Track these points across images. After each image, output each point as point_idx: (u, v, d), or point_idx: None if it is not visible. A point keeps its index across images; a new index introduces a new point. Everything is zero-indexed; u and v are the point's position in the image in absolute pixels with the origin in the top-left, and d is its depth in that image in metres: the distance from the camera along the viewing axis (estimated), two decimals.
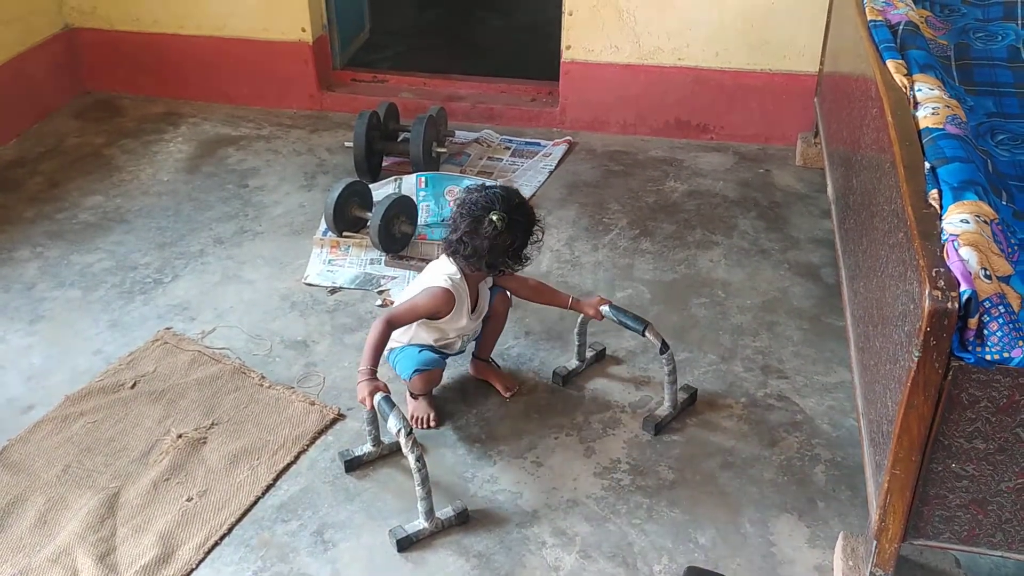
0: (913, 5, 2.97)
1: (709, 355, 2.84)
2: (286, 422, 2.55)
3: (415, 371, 2.48)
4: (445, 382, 2.65)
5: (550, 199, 3.70)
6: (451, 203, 3.44)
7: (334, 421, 2.57)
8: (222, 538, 2.22)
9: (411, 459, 2.15)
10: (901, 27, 2.66)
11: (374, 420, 2.38)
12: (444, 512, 2.24)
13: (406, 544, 2.19)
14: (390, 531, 2.21)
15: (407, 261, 3.25)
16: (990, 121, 2.61)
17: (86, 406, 2.60)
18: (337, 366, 2.78)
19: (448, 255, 2.43)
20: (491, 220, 2.30)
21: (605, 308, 2.57)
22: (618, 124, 4.26)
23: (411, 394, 2.59)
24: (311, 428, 2.53)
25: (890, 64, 2.39)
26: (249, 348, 2.85)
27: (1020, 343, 1.57)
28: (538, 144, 4.13)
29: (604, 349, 2.82)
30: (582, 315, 2.65)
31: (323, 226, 3.40)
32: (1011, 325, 1.57)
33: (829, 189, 3.11)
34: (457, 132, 4.13)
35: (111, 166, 3.94)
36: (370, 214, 3.30)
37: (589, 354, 2.77)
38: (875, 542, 1.85)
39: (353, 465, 2.41)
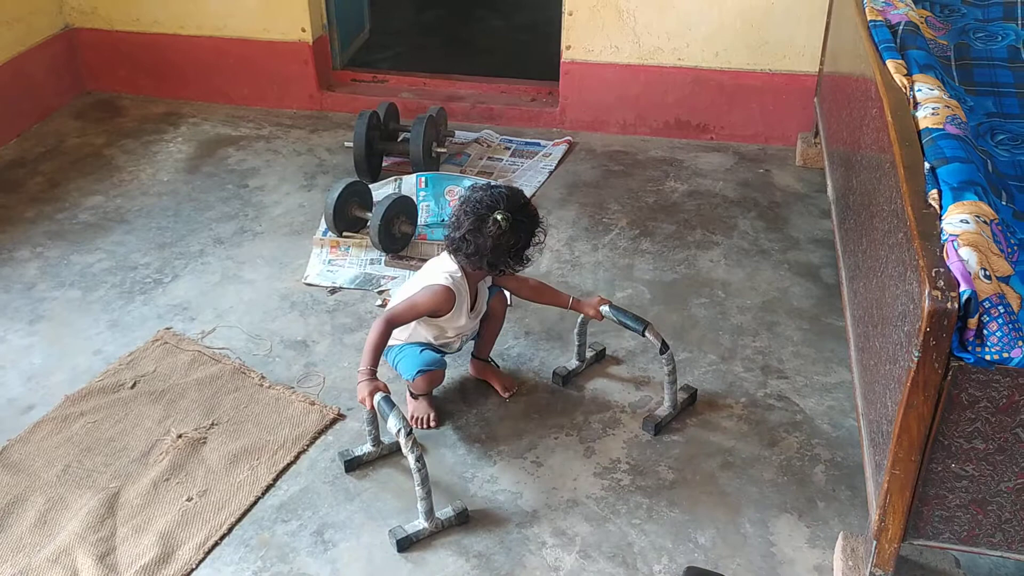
0: (913, 5, 2.97)
1: (709, 355, 2.84)
2: (286, 422, 2.56)
3: (419, 372, 2.47)
4: (445, 382, 2.65)
5: (550, 199, 3.70)
6: (451, 203, 3.44)
7: (334, 421, 2.57)
8: (222, 538, 2.22)
9: (411, 459, 2.15)
10: (901, 27, 2.66)
11: (374, 420, 2.38)
12: (444, 512, 2.24)
13: (406, 544, 2.19)
14: (390, 531, 2.21)
15: (407, 261, 3.25)
16: (990, 121, 2.61)
17: (86, 406, 2.60)
18: (337, 366, 2.78)
19: (450, 252, 2.42)
20: (495, 219, 2.30)
21: (605, 308, 2.57)
22: (618, 124, 4.27)
23: (411, 394, 2.59)
24: (311, 428, 2.53)
25: (890, 64, 2.40)
26: (249, 348, 2.85)
27: (1020, 343, 1.57)
28: (538, 144, 4.13)
29: (604, 349, 2.82)
30: (582, 315, 2.65)
31: (323, 226, 3.40)
32: (1011, 325, 1.57)
33: (829, 189, 3.11)
34: (457, 132, 4.13)
35: (111, 166, 3.94)
36: (370, 214, 3.30)
37: (589, 354, 2.77)
38: (875, 542, 1.85)
39: (353, 465, 2.41)
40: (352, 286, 3.15)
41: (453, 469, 2.43)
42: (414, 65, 4.77)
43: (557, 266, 3.28)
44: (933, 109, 2.14)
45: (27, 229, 3.48)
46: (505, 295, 2.70)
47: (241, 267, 3.26)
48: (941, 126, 2.06)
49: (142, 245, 3.38)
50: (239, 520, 2.27)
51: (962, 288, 1.57)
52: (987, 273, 1.61)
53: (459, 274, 2.44)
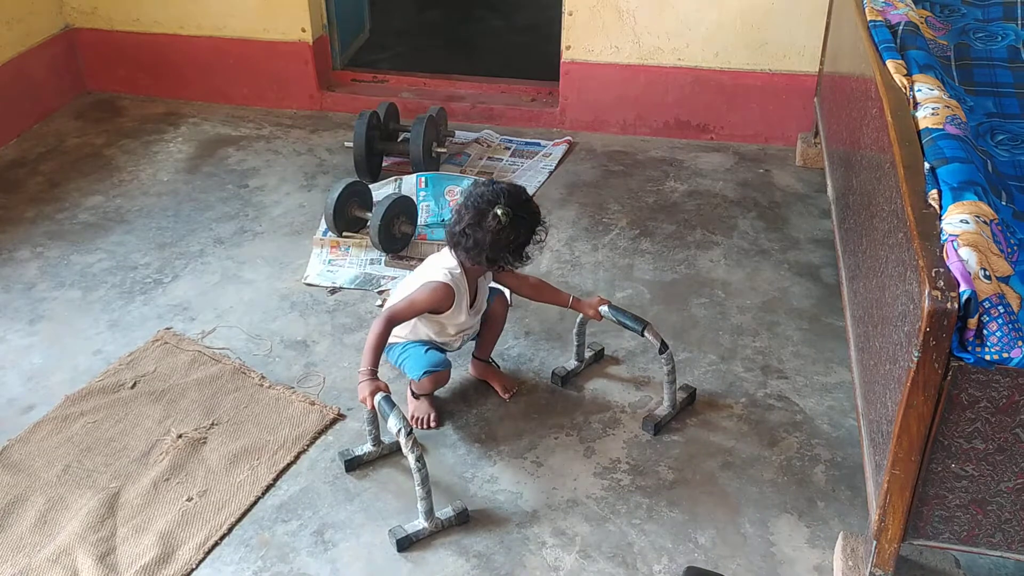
0: (913, 5, 2.97)
1: (709, 355, 2.84)
2: (286, 422, 2.56)
3: (425, 372, 2.47)
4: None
5: (550, 199, 3.70)
6: (451, 203, 3.44)
7: (334, 421, 2.57)
8: (222, 538, 2.22)
9: (411, 459, 2.15)
10: (901, 27, 2.66)
11: (374, 420, 2.38)
12: (444, 512, 2.24)
13: (406, 544, 2.19)
14: (390, 531, 2.21)
15: (407, 261, 3.25)
16: (990, 121, 2.61)
17: (86, 406, 2.60)
18: (337, 366, 2.78)
19: (449, 247, 2.42)
20: (495, 214, 2.29)
21: (604, 308, 2.57)
22: (618, 124, 4.27)
23: (412, 394, 2.59)
24: (311, 428, 2.53)
25: (890, 64, 2.40)
26: (249, 348, 2.85)
27: (1019, 343, 1.57)
28: (538, 144, 4.14)
29: (603, 349, 2.82)
30: (581, 315, 2.65)
31: (323, 226, 3.40)
32: (1010, 325, 1.57)
33: (829, 189, 3.11)
34: (457, 132, 4.13)
35: (111, 166, 3.94)
36: (370, 214, 3.30)
37: (587, 354, 2.77)
38: (875, 542, 1.85)
39: (353, 465, 2.41)
40: (352, 286, 3.15)
41: (453, 469, 2.43)
42: (414, 65, 4.77)
43: (557, 266, 3.28)
44: (933, 109, 2.15)
45: (27, 229, 3.48)
46: (506, 297, 2.70)
47: (241, 267, 3.26)
48: (941, 126, 2.06)
49: (142, 245, 3.38)
50: (239, 520, 2.27)
51: (962, 288, 1.57)
52: (987, 273, 1.61)
53: (458, 270, 2.43)
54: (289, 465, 2.43)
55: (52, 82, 4.39)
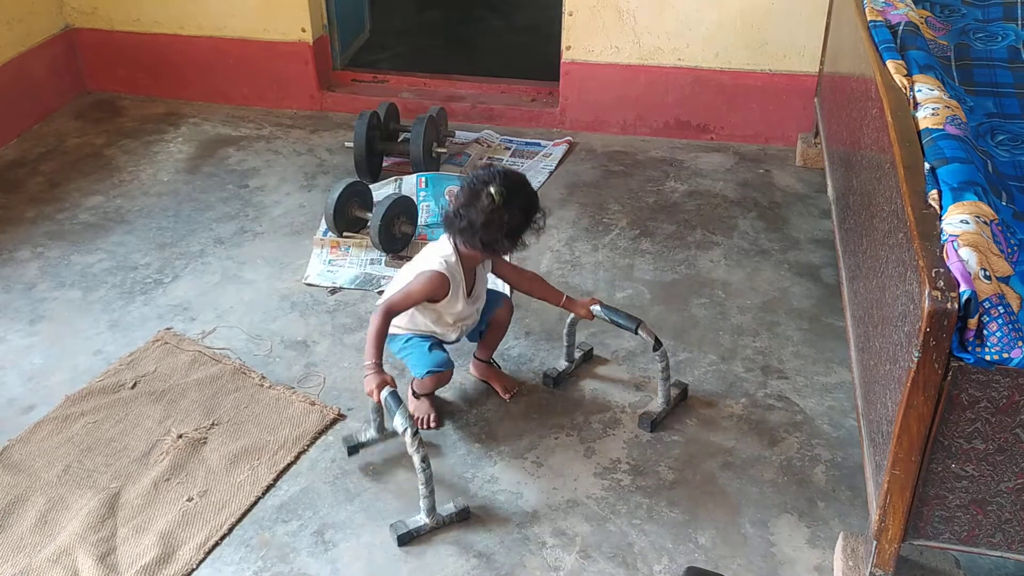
0: (913, 5, 2.97)
1: (709, 355, 2.84)
2: (286, 422, 2.56)
3: (428, 372, 2.47)
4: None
5: (550, 199, 3.70)
6: (451, 203, 3.44)
7: (334, 421, 2.57)
8: (222, 538, 2.22)
9: (416, 459, 2.16)
10: (901, 27, 2.66)
11: (379, 409, 2.38)
12: (445, 508, 2.25)
13: (407, 539, 2.20)
14: (391, 525, 2.22)
15: (407, 261, 3.25)
16: (990, 121, 2.61)
17: (86, 406, 2.60)
18: (337, 366, 2.78)
19: (444, 228, 2.39)
20: (489, 193, 2.26)
21: (596, 308, 2.56)
22: (618, 124, 4.27)
23: (413, 393, 2.59)
24: (311, 428, 2.53)
25: (890, 64, 2.40)
26: (249, 348, 2.86)
27: (1020, 343, 1.57)
28: (538, 144, 4.14)
29: (591, 349, 2.82)
30: (572, 315, 2.64)
31: (323, 226, 3.40)
32: (1011, 326, 1.57)
33: (829, 189, 3.11)
34: (457, 132, 4.13)
35: (111, 166, 3.94)
36: (370, 214, 3.30)
37: (577, 354, 2.77)
38: (875, 542, 1.85)
39: (355, 450, 2.43)
40: (352, 286, 3.15)
41: (453, 469, 2.43)
42: (414, 65, 4.77)
43: (557, 266, 3.28)
44: (933, 109, 2.15)
45: (27, 229, 3.48)
46: (512, 304, 2.70)
47: (241, 267, 3.26)
48: (941, 126, 2.06)
49: (142, 245, 3.38)
50: (239, 520, 2.27)
51: (962, 288, 1.57)
52: (987, 273, 1.61)
53: (453, 258, 2.40)
54: (289, 465, 2.43)
55: (52, 82, 4.39)
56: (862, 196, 2.43)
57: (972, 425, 1.68)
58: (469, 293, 2.49)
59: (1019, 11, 3.09)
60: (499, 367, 2.75)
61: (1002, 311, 1.57)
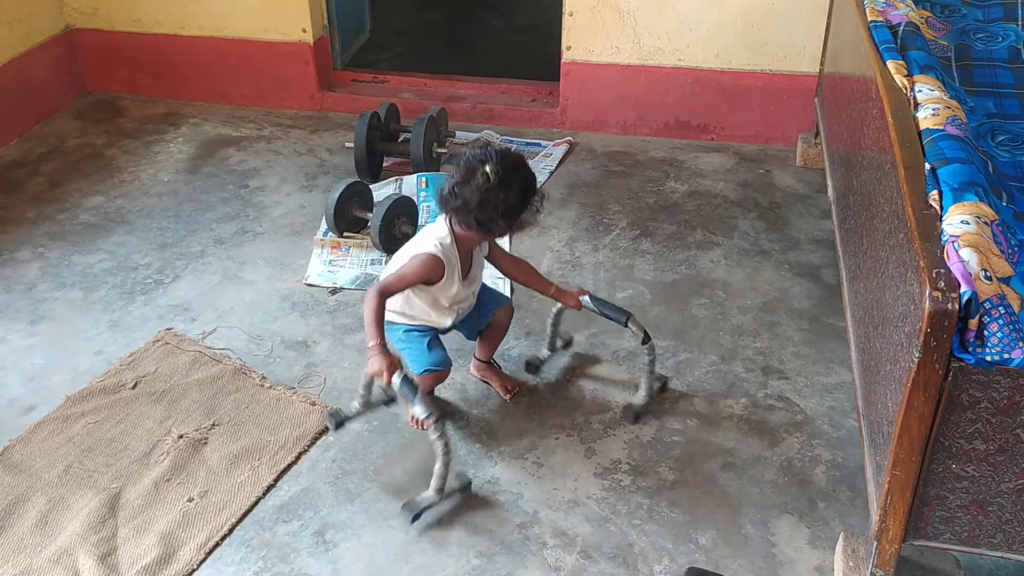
0: (913, 6, 2.97)
1: (710, 355, 2.84)
2: (287, 422, 2.56)
3: (426, 370, 2.46)
4: (446, 383, 2.65)
5: (551, 200, 3.70)
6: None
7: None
8: (223, 538, 2.22)
9: (438, 446, 2.19)
10: (901, 28, 2.66)
11: (369, 386, 2.38)
12: (448, 483, 2.27)
13: (418, 515, 2.23)
14: (403, 505, 2.24)
15: None
16: (990, 122, 2.61)
17: (87, 406, 2.60)
18: (338, 367, 2.78)
19: (439, 207, 2.36)
20: (484, 171, 2.22)
21: (585, 299, 2.55)
22: (618, 125, 4.27)
23: None
24: (312, 428, 2.53)
25: (890, 65, 2.40)
26: (250, 349, 2.86)
27: (1020, 344, 1.57)
28: (538, 144, 4.14)
29: (572, 339, 2.84)
30: (559, 305, 2.64)
31: (324, 226, 3.40)
32: (1011, 326, 1.57)
33: (829, 190, 3.11)
34: (458, 133, 4.13)
35: (112, 167, 3.94)
36: (371, 214, 3.30)
37: (558, 344, 2.79)
38: (875, 543, 1.85)
39: (341, 425, 2.47)
40: (353, 287, 3.15)
41: (453, 469, 2.42)
42: (414, 65, 4.77)
43: (558, 266, 3.28)
44: (933, 110, 2.15)
45: (28, 230, 3.48)
46: (512, 307, 2.69)
47: (242, 268, 3.26)
48: (942, 127, 2.06)
49: (143, 246, 3.38)
50: (240, 520, 2.27)
51: (963, 289, 1.57)
52: (988, 274, 1.61)
53: (448, 240, 2.36)
54: (290, 465, 2.43)
55: (53, 82, 4.39)
56: (862, 196, 2.43)
57: (973, 426, 1.68)
58: (465, 276, 2.44)
59: (1019, 11, 3.09)
60: (499, 367, 2.75)
61: (1003, 312, 1.57)
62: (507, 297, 2.64)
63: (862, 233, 2.37)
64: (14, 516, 2.27)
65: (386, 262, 3.23)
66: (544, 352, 2.77)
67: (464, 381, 2.72)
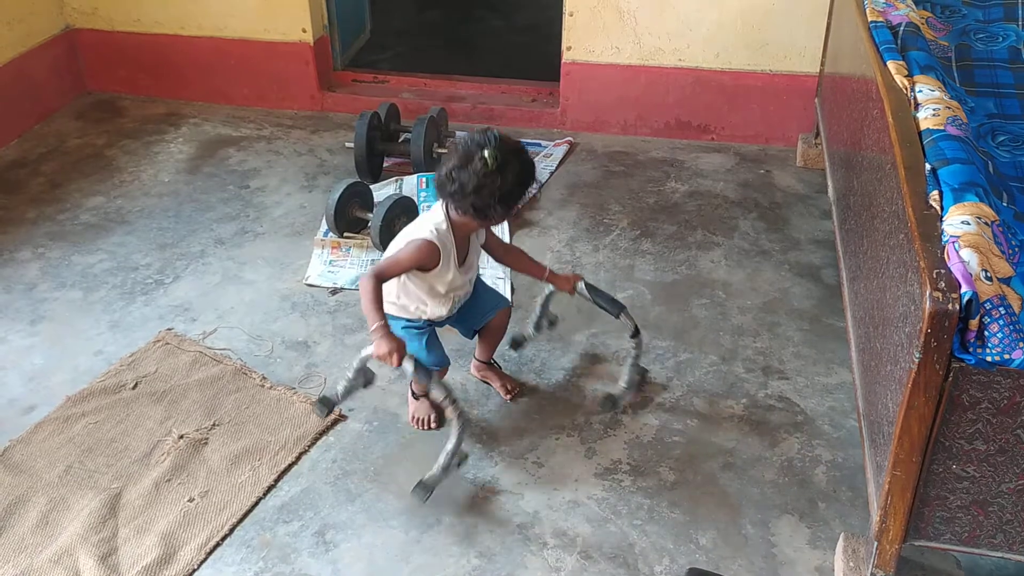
0: (914, 6, 2.97)
1: (710, 356, 2.84)
2: (287, 423, 2.56)
3: None
4: (446, 382, 2.65)
5: (551, 200, 3.70)
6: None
7: (335, 422, 2.57)
8: (224, 539, 2.23)
9: (456, 427, 2.20)
10: (902, 28, 2.66)
11: (360, 372, 2.32)
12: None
13: (429, 496, 2.25)
14: (415, 488, 2.24)
15: None
16: (991, 122, 2.61)
17: (87, 407, 2.61)
18: (338, 367, 2.78)
19: (436, 191, 2.31)
20: (482, 156, 2.17)
21: (580, 285, 2.52)
22: (619, 125, 4.27)
23: (413, 394, 2.59)
24: (312, 429, 2.54)
25: (891, 65, 2.40)
26: (250, 349, 2.86)
27: (1021, 344, 1.57)
28: (539, 145, 4.13)
29: (557, 317, 2.81)
30: (551, 288, 2.61)
31: (324, 227, 3.40)
32: (1012, 327, 1.57)
33: (830, 190, 3.11)
34: (458, 133, 4.12)
35: (112, 167, 3.94)
36: (371, 215, 3.30)
37: (544, 324, 2.77)
38: (876, 543, 1.85)
39: (331, 411, 2.44)
40: (353, 287, 3.15)
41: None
42: (415, 66, 4.77)
43: (558, 267, 3.27)
44: (934, 110, 2.15)
45: (28, 230, 3.48)
46: (510, 311, 2.68)
47: (242, 268, 3.26)
48: (942, 127, 2.06)
49: (143, 246, 3.38)
50: (241, 521, 2.27)
51: (963, 289, 1.57)
52: (988, 274, 1.62)
53: (444, 225, 2.32)
54: (290, 466, 2.43)
55: (53, 83, 4.39)
56: (863, 197, 2.43)
57: (973, 426, 1.68)
58: (462, 263, 2.40)
59: (1020, 12, 3.09)
60: (500, 367, 2.75)
61: (1003, 312, 1.57)
62: (507, 300, 2.63)
63: (862, 233, 2.37)
64: (15, 516, 2.27)
65: None
66: (530, 330, 2.75)
67: (464, 381, 2.72)
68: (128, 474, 2.40)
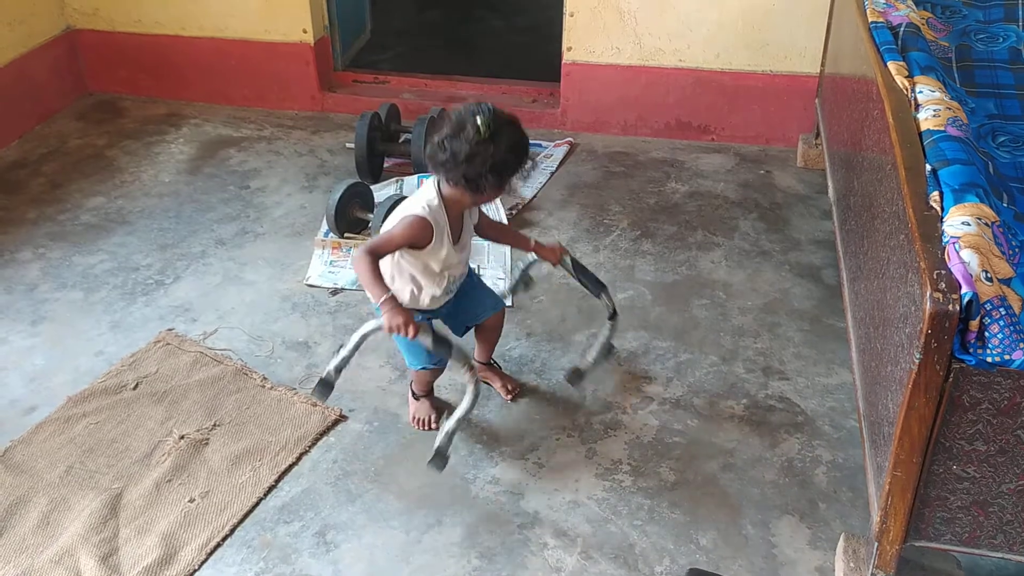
0: (914, 7, 2.97)
1: (710, 356, 2.85)
2: (288, 423, 2.56)
3: (423, 367, 2.45)
4: (446, 383, 2.66)
5: (551, 200, 3.71)
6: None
7: (336, 422, 2.57)
8: (224, 539, 2.23)
9: (470, 394, 2.20)
10: (902, 29, 2.66)
11: (355, 350, 2.25)
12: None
13: (445, 464, 2.24)
14: (430, 460, 2.22)
15: None
16: (991, 123, 2.61)
17: (88, 407, 2.61)
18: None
19: (427, 161, 2.26)
20: (475, 123, 2.12)
21: (566, 259, 2.50)
22: (619, 125, 4.27)
23: (413, 395, 2.60)
24: (313, 429, 2.54)
25: (891, 66, 2.40)
26: (251, 349, 2.86)
27: (1021, 345, 1.57)
28: (539, 145, 4.13)
29: (532, 279, 2.74)
30: (533, 256, 2.55)
31: (324, 227, 3.40)
32: (1012, 327, 1.57)
33: (830, 190, 3.11)
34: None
35: (113, 167, 3.94)
36: (371, 215, 3.30)
37: (520, 288, 2.71)
38: (876, 543, 1.85)
39: (330, 392, 2.29)
40: (354, 287, 3.15)
41: (455, 470, 2.42)
42: (415, 66, 4.77)
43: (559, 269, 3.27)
44: (934, 111, 2.15)
45: (29, 230, 3.48)
46: (505, 312, 2.67)
47: (243, 268, 3.27)
48: (942, 128, 2.06)
49: (144, 246, 3.39)
50: (241, 521, 2.27)
51: (963, 290, 1.57)
52: (988, 275, 1.62)
53: (436, 202, 2.27)
54: (291, 466, 2.43)
55: (54, 83, 4.39)
56: (863, 197, 2.43)
57: (973, 427, 1.68)
58: (456, 241, 2.35)
59: (1020, 12, 3.09)
60: (500, 367, 2.75)
61: (1003, 313, 1.57)
62: (503, 302, 2.62)
63: (863, 234, 2.37)
64: (15, 517, 2.27)
65: None
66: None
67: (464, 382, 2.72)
68: (129, 474, 2.40)
